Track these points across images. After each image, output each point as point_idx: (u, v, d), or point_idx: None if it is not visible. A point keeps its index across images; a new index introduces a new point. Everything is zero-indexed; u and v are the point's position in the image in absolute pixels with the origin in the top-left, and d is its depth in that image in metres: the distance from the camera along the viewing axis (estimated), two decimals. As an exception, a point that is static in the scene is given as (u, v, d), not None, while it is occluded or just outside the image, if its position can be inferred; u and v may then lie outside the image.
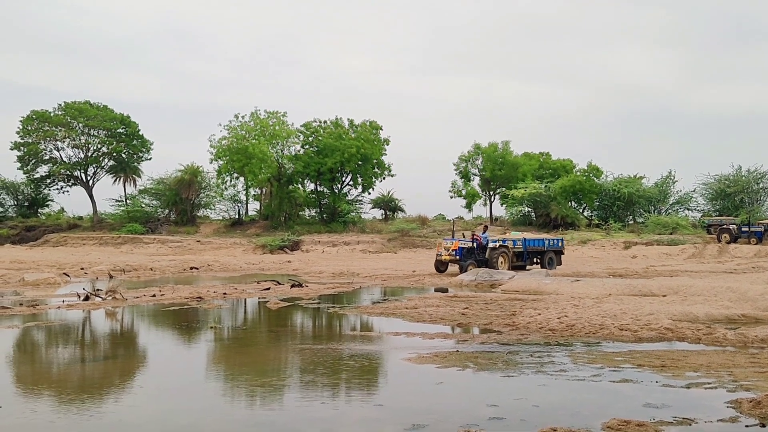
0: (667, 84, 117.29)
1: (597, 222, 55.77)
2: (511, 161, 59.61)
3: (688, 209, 58.87)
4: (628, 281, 19.50)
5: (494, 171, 59.27)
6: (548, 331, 11.55)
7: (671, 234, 47.22)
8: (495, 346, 10.36)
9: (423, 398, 7.38)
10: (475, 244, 27.30)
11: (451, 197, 61.16)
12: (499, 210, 61.60)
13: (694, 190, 58.45)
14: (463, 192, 60.52)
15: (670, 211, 57.64)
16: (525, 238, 29.16)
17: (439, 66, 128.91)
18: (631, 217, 56.69)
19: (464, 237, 28.66)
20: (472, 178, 61.49)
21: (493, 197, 61.22)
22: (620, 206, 55.51)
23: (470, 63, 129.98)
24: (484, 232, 28.51)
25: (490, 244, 27.32)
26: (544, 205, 53.33)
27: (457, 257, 26.69)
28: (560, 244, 30.37)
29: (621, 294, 16.98)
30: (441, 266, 27.59)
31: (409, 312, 14.42)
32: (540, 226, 52.57)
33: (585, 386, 7.74)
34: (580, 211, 56.89)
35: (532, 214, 55.71)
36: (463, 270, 26.12)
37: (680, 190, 59.26)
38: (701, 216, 55.56)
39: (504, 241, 28.34)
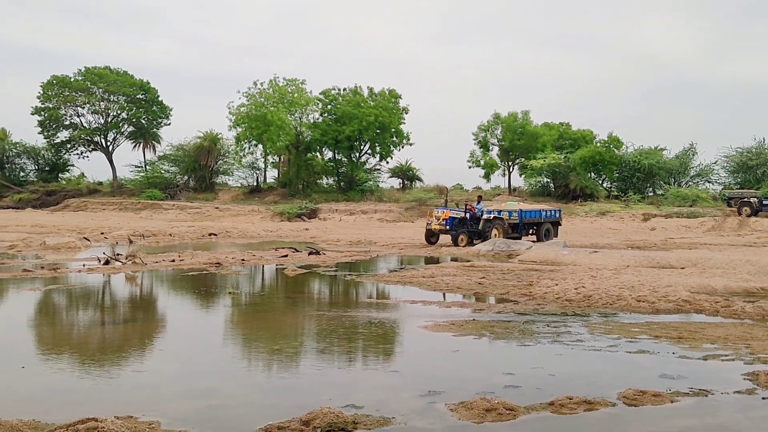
0: (691, 55, 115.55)
1: (616, 193, 55.33)
2: (530, 131, 59.09)
3: (709, 182, 58.15)
4: (646, 253, 19.42)
5: (513, 141, 58.82)
6: (565, 302, 11.55)
7: (691, 207, 46.77)
8: (511, 315, 10.38)
9: (439, 365, 7.42)
10: (468, 215, 26.32)
11: (470, 167, 60.85)
12: (518, 180, 61.26)
13: (715, 163, 57.67)
14: (482, 162, 60.15)
15: (690, 183, 57.02)
16: (521, 209, 28.09)
17: (459, 34, 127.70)
18: (650, 189, 56.18)
19: (457, 207, 27.69)
20: (491, 148, 61.09)
21: (512, 167, 60.84)
22: (640, 178, 54.98)
23: (491, 31, 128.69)
24: (479, 203, 27.57)
25: (484, 216, 26.33)
26: (563, 176, 52.95)
27: (448, 227, 25.67)
28: (557, 215, 29.61)
29: (639, 266, 16.92)
30: (431, 237, 26.40)
31: (426, 280, 14.45)
32: (558, 197, 52.30)
33: (601, 356, 7.75)
34: (600, 182, 56.44)
35: (551, 184, 55.35)
36: (454, 240, 25.40)
37: (701, 163, 58.48)
38: (722, 189, 54.96)
39: (499, 212, 27.36)
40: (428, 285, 13.86)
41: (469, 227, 25.96)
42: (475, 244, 25.03)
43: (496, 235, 25.78)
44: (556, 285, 13.05)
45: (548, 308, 11.02)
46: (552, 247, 22.06)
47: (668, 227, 39.42)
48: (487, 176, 60.70)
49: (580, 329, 9.25)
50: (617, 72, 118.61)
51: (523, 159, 58.97)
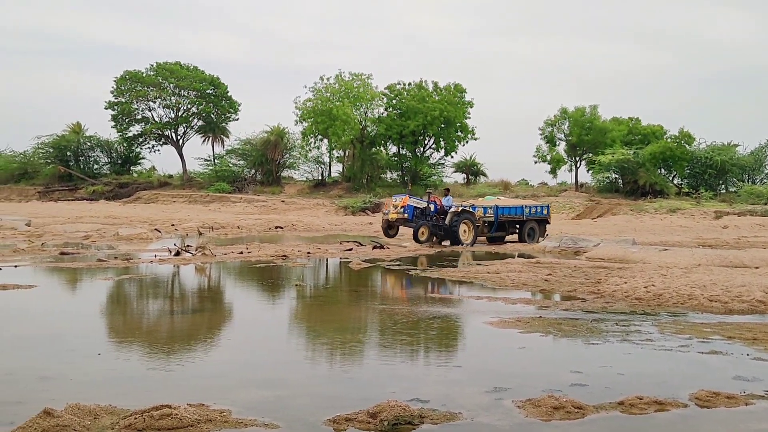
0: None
1: (687, 190, 53.90)
2: (598, 126, 57.97)
3: (786, 180, 56.25)
4: (718, 252, 18.88)
5: (581, 136, 57.80)
6: (634, 300, 11.32)
7: (766, 205, 45.26)
8: (579, 313, 10.23)
9: (505, 362, 7.38)
10: (432, 206, 23.52)
11: (536, 162, 60.05)
12: (586, 176, 60.28)
13: (794, 160, 55.73)
14: (548, 157, 59.39)
15: (765, 180, 55.21)
16: (497, 205, 25.24)
17: (525, 27, 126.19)
18: (723, 186, 54.57)
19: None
20: (557, 143, 60.24)
21: (579, 163, 59.89)
22: (712, 174, 53.41)
23: (557, 23, 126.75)
24: (446, 195, 24.89)
25: (452, 209, 23.53)
26: (632, 172, 51.81)
27: (405, 215, 22.79)
28: (545, 212, 26.48)
29: (711, 264, 16.45)
30: (389, 229, 23.56)
31: (491, 276, 14.36)
32: (627, 194, 51.28)
33: (672, 356, 7.58)
34: (670, 178, 55.11)
35: (620, 180, 54.28)
36: (415, 233, 22.95)
37: (778, 160, 56.58)
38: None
39: (474, 207, 24.63)
40: (493, 281, 13.77)
41: (434, 221, 23.34)
42: (439, 242, 23.09)
43: (465, 231, 23.33)
44: (625, 283, 12.79)
45: (617, 306, 10.83)
46: (620, 244, 21.62)
47: (741, 225, 38.20)
48: (553, 172, 59.88)
49: (649, 328, 9.06)
50: (689, 64, 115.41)
51: (590, 154, 57.95)
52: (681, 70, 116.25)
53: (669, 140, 55.77)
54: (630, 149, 53.48)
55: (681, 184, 55.72)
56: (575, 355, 7.74)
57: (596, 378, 6.61)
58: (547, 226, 26.82)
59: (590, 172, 58.26)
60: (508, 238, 25.97)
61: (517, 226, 25.64)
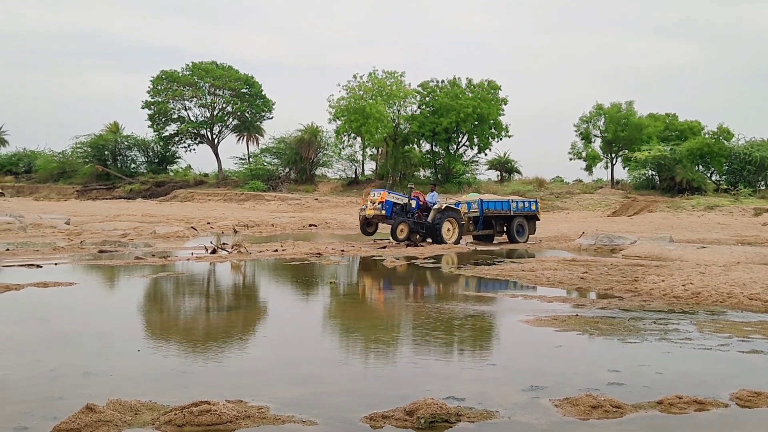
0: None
1: (725, 187, 53.04)
2: (634, 122, 57.26)
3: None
4: (758, 249, 18.58)
5: (617, 132, 57.16)
6: (672, 298, 11.17)
7: (808, 201, 44.39)
8: (616, 311, 10.13)
9: (541, 360, 7.33)
10: (414, 202, 22.54)
11: (571, 159, 59.59)
12: (622, 173, 59.67)
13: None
14: (584, 154, 58.87)
15: (807, 176, 54.14)
16: (481, 200, 24.10)
17: (559, 23, 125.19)
18: (762, 182, 53.59)
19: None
20: (593, 139, 59.66)
21: (615, 160, 59.25)
22: (751, 171, 52.46)
23: (591, 19, 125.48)
24: (432, 191, 23.73)
25: (435, 206, 22.59)
26: (669, 169, 51.13)
27: (383, 211, 21.87)
28: (533, 207, 25.27)
29: (750, 262, 16.16)
30: (368, 226, 22.86)
31: (526, 274, 14.28)
32: (664, 191, 50.64)
33: (711, 355, 7.47)
34: (708, 175, 54.29)
35: (656, 177, 53.61)
36: (393, 231, 21.89)
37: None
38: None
39: (457, 204, 23.58)
40: (528, 279, 13.69)
41: (416, 218, 22.24)
42: (418, 241, 22.03)
43: (449, 230, 22.38)
44: (663, 281, 12.63)
45: (654, 305, 10.69)
46: (657, 242, 21.37)
47: (782, 222, 37.51)
48: (588, 169, 59.38)
49: (688, 327, 8.94)
50: (728, 58, 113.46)
51: (626, 151, 57.30)
52: (720, 64, 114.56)
53: (707, 136, 54.92)
54: (667, 145, 52.82)
55: (719, 180, 54.87)
56: (613, 354, 7.66)
57: (634, 377, 6.54)
58: (537, 223, 25.69)
59: (626, 168, 57.68)
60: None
61: (505, 224, 24.59)
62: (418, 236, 22.26)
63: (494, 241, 24.71)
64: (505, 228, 24.61)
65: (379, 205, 21.84)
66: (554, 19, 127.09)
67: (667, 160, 51.11)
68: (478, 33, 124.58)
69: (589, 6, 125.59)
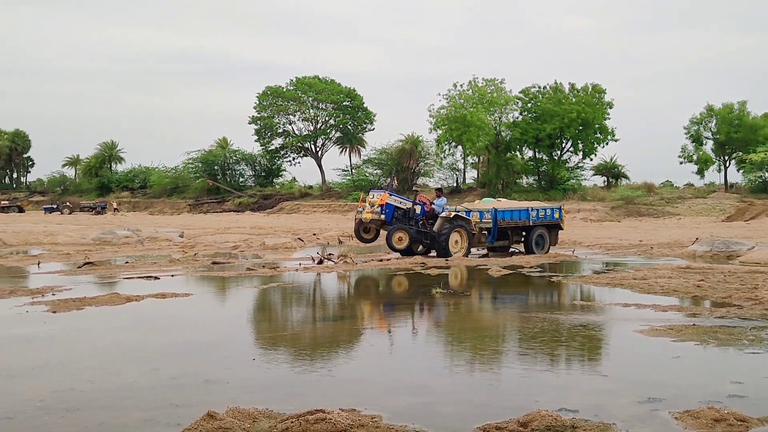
0: None
1: None
2: (748, 123, 54.78)
3: None
4: None
5: (729, 134, 54.79)
6: (797, 307, 10.59)
7: None
8: (736, 320, 9.68)
9: (657, 372, 7.09)
10: (419, 208, 20.19)
11: (681, 163, 57.62)
12: (736, 176, 57.13)
13: None
14: (695, 157, 56.71)
15: None
16: (495, 209, 21.29)
17: (663, 22, 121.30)
18: None
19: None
20: (704, 141, 57.38)
21: (728, 162, 56.78)
22: None
23: (696, 17, 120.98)
24: (439, 197, 21.17)
25: (443, 213, 20.11)
26: (788, 171, 48.66)
27: (383, 216, 19.30)
28: (556, 216, 22.58)
29: None
30: (364, 232, 20.23)
31: (638, 283, 13.84)
32: (781, 193, 48.22)
33: None
34: (832, 176, 51.30)
35: (773, 180, 51.13)
36: (389, 238, 19.25)
37: None
38: None
39: (468, 212, 20.92)
40: (641, 287, 13.26)
41: (419, 226, 19.92)
42: (422, 252, 20.10)
43: (457, 241, 19.92)
44: (786, 289, 11.99)
45: (777, 314, 10.17)
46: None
47: None
48: (700, 172, 57.24)
49: (817, 337, 8.45)
50: None
51: (740, 153, 54.82)
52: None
53: (830, 135, 51.91)
54: (785, 146, 50.24)
55: None
56: (734, 365, 7.33)
57: (758, 389, 6.24)
58: (560, 232, 23.30)
59: (741, 171, 55.27)
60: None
61: (523, 233, 22.07)
62: (421, 247, 20.49)
63: (510, 252, 22.35)
64: (523, 238, 22.14)
65: (379, 209, 19.39)
66: (657, 17, 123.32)
67: (786, 162, 48.63)
68: (580, 36, 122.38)
69: (695, 4, 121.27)
